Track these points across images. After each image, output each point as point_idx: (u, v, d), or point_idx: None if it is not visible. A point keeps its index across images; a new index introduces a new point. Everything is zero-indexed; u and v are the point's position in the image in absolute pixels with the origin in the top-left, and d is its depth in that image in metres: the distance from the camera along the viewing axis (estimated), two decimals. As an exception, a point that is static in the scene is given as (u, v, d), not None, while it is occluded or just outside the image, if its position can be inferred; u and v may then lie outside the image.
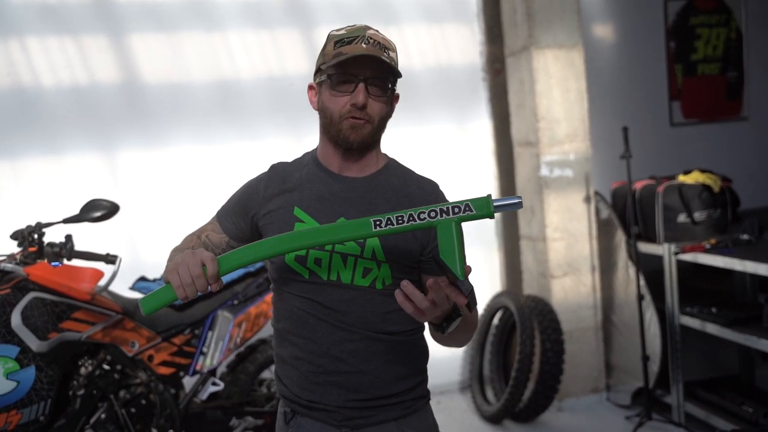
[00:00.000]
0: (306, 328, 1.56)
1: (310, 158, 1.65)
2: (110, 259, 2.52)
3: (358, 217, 1.52)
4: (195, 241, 1.67)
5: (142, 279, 2.99)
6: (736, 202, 3.81)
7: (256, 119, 3.94)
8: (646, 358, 3.50)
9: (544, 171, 3.80)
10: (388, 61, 1.48)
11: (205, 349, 2.88)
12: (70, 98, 3.68)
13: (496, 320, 4.07)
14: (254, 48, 3.93)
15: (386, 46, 1.52)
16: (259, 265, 3.04)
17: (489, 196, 1.30)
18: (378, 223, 1.34)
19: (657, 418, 3.51)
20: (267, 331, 3.19)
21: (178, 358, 2.84)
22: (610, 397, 3.90)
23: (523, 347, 3.57)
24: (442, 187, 1.65)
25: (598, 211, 3.92)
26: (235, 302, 2.96)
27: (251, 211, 1.63)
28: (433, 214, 1.31)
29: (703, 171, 3.65)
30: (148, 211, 3.76)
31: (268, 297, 3.04)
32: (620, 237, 3.81)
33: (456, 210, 1.30)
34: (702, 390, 3.53)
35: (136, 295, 2.96)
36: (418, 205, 1.54)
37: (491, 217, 1.30)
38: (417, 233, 1.53)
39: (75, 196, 3.46)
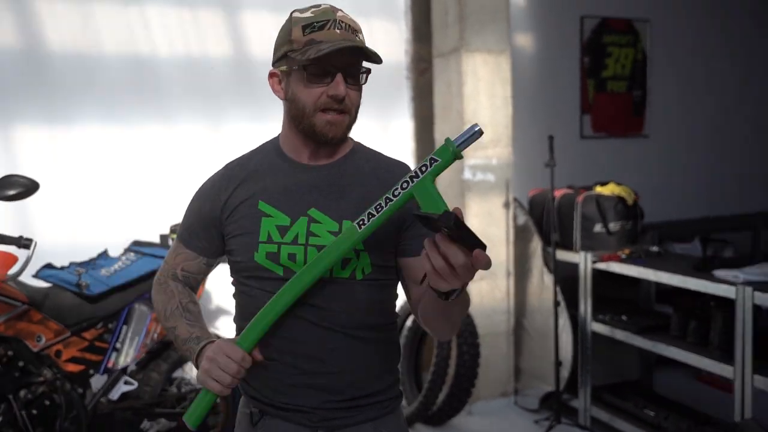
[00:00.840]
0: (281, 327, 1.46)
1: (270, 147, 1.57)
2: (24, 242, 2.27)
3: (329, 205, 1.47)
4: (174, 289, 1.58)
5: (48, 266, 2.74)
6: (641, 215, 3.99)
7: (172, 101, 3.71)
8: (558, 363, 3.59)
9: (467, 174, 3.82)
10: (370, 53, 1.41)
11: (118, 345, 2.69)
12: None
13: (408, 322, 4.04)
14: (174, 26, 3.70)
15: (355, 29, 1.45)
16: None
17: (447, 139, 1.29)
18: (362, 222, 1.32)
19: (565, 421, 3.61)
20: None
21: (88, 355, 2.62)
22: (517, 401, 3.98)
23: (440, 351, 3.56)
24: None
25: (515, 217, 3.98)
26: (154, 295, 2.76)
27: (217, 218, 1.54)
28: (405, 185, 1.30)
29: (618, 184, 3.80)
30: (48, 193, 3.45)
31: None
32: (536, 243, 3.89)
33: (423, 169, 1.28)
34: (607, 394, 3.66)
35: (41, 283, 2.70)
36: (389, 188, 1.46)
37: (460, 157, 1.29)
38: (393, 217, 1.44)
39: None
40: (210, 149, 3.71)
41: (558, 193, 3.83)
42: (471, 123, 3.69)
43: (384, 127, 4.19)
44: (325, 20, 1.41)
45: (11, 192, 2.25)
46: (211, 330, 3.44)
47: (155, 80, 3.66)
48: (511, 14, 4.43)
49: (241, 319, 1.56)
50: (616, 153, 4.83)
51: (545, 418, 3.68)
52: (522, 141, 4.37)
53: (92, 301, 2.64)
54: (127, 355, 2.70)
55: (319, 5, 1.47)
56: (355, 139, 1.61)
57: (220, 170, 1.59)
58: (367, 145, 1.61)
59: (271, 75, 1.51)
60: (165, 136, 3.67)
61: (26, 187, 2.26)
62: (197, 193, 1.60)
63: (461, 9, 3.76)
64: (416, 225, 1.48)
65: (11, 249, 2.47)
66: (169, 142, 3.66)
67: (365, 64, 1.47)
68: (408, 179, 1.28)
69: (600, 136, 4.80)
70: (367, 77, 1.47)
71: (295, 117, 1.46)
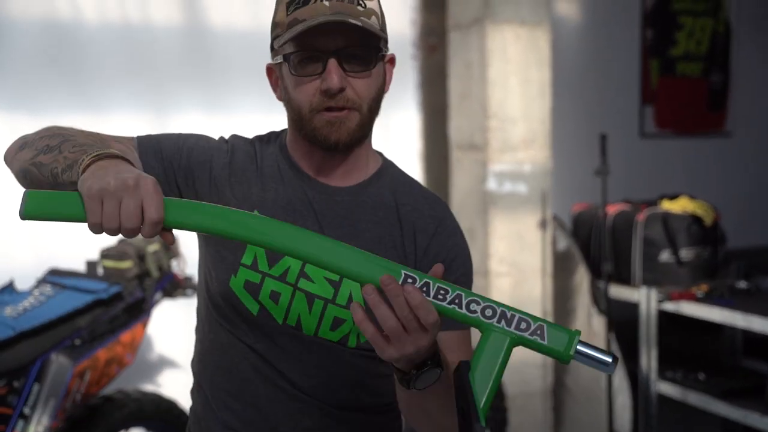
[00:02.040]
0: (247, 391, 1.49)
1: (278, 144, 1.58)
2: None
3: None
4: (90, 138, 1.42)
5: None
6: (723, 240, 3.99)
7: (101, 83, 3.70)
8: (612, 436, 3.59)
9: (492, 184, 3.82)
10: (361, 24, 1.38)
11: (27, 411, 2.66)
12: None
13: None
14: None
15: None
16: (113, 290, 2.87)
17: (577, 332, 1.21)
18: (410, 278, 1.21)
19: None
20: (119, 383, 3.03)
21: (-16, 423, 2.60)
22: (557, 485, 3.97)
23: (454, 417, 3.54)
24: None
25: (554, 241, 3.98)
26: (77, 342, 2.77)
27: (196, 176, 1.49)
28: (489, 312, 1.20)
29: (692, 198, 3.80)
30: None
31: (125, 336, 2.89)
32: (582, 276, 3.89)
33: (522, 325, 1.20)
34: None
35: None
36: (407, 230, 1.50)
37: (566, 360, 1.21)
38: (407, 262, 1.48)
39: None
40: (152, 147, 3.69)
41: (612, 210, 3.83)
42: (496, 116, 3.75)
43: (383, 121, 4.16)
44: None
45: None
46: (154, 388, 3.43)
47: (79, 55, 3.66)
48: (551, -27, 4.48)
49: (201, 362, 1.57)
50: (688, 157, 4.85)
51: None
52: (563, 141, 4.38)
53: (-8, 349, 2.62)
54: (38, 424, 2.66)
55: None
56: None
57: (228, 141, 1.57)
58: (399, 166, 1.62)
59: (268, 71, 1.53)
60: (92, 130, 3.65)
61: None
62: (200, 138, 1.56)
63: (486, -34, 3.78)
64: None
65: None
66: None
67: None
68: (497, 309, 1.20)
69: (666, 134, 4.81)
70: (381, 57, 1.46)
71: (296, 122, 1.48)
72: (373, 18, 1.43)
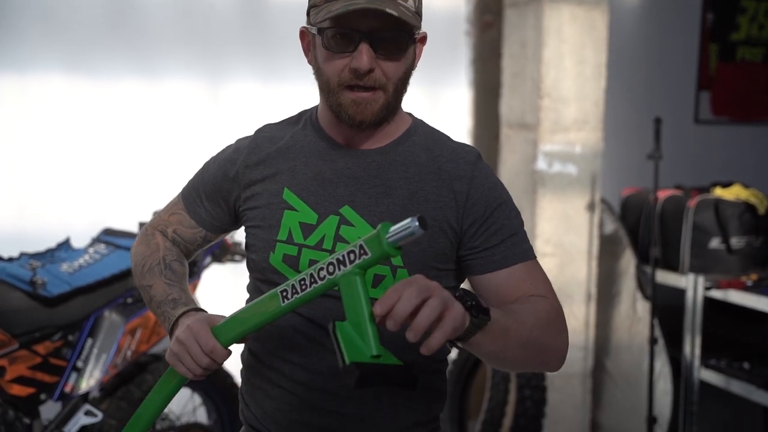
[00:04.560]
0: (294, 351, 1.57)
1: (308, 118, 1.66)
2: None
3: (368, 204, 1.55)
4: (160, 242, 1.70)
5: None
6: (775, 229, 4.00)
7: (158, 50, 3.78)
8: (652, 420, 3.62)
9: (542, 164, 3.86)
10: (398, 15, 1.43)
11: (80, 364, 2.76)
12: None
13: (453, 353, 4.10)
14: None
15: None
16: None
17: (383, 226, 1.29)
18: (285, 294, 1.40)
19: (657, 498, 3.64)
20: (167, 343, 3.10)
21: (40, 374, 2.70)
22: (594, 468, 4.02)
23: (493, 393, 3.62)
24: None
25: (602, 224, 4.01)
26: (129, 300, 2.86)
27: (231, 194, 1.65)
28: (331, 268, 1.34)
29: (745, 186, 3.81)
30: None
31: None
32: (629, 260, 3.92)
33: (351, 256, 1.32)
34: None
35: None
36: (446, 180, 1.56)
37: (392, 254, 1.28)
38: (449, 221, 1.54)
39: None
40: (206, 114, 3.79)
41: (662, 195, 3.85)
42: (549, 95, 3.79)
43: (433, 98, 4.24)
44: None
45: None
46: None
47: (137, 20, 3.74)
48: (611, -47, 4.47)
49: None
50: (743, 144, 4.84)
51: (631, 492, 3.72)
52: (616, 124, 4.40)
53: (49, 304, 2.70)
54: (90, 378, 2.76)
55: None
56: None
57: (251, 135, 1.69)
58: (430, 124, 1.68)
59: (302, 34, 1.60)
60: (147, 95, 3.75)
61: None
62: (218, 156, 1.70)
63: (545, -57, 3.80)
64: (488, 229, 1.54)
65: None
66: (152, 102, 3.74)
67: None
68: (335, 262, 1.33)
69: (722, 120, 4.81)
70: (412, 44, 1.52)
71: (323, 91, 1.56)
72: (406, 15, 1.47)
